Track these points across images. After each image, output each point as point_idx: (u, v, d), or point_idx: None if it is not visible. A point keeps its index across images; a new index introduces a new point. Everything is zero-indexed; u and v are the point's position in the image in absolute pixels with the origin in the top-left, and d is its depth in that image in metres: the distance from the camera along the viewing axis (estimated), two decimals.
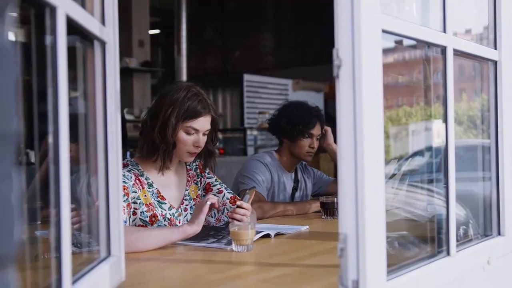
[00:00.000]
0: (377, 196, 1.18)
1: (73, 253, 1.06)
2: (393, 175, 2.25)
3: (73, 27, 1.10)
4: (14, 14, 0.59)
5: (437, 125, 1.89)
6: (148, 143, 2.14)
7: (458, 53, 1.55)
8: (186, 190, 2.28)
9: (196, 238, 1.99)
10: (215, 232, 2.09)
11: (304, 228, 2.30)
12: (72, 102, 1.15)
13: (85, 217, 1.41)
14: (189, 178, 2.31)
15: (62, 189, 0.99)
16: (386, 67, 1.23)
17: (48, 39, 1.00)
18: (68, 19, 1.03)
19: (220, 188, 2.33)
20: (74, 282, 1.07)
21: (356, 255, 1.15)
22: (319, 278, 1.49)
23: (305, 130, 2.91)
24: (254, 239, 1.88)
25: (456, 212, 1.54)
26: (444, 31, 1.49)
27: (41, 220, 1.47)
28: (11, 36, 0.56)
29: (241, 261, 1.74)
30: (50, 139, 0.98)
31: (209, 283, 1.48)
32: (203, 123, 2.15)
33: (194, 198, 2.30)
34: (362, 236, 1.14)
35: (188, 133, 2.13)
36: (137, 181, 2.11)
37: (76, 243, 1.31)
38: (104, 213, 1.34)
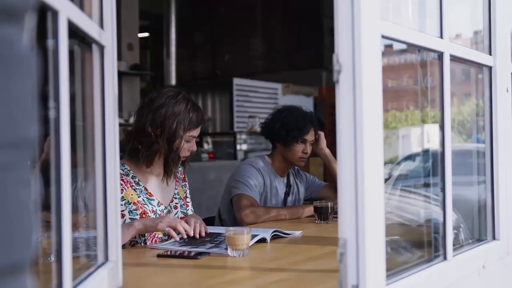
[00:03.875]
0: (377, 201, 1.18)
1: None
2: (386, 179, 2.25)
3: (72, 31, 1.09)
4: (33, 19, 0.59)
5: (428, 129, 1.90)
6: (153, 152, 2.20)
7: (453, 58, 1.56)
8: (176, 189, 2.37)
9: (194, 243, 1.98)
10: (211, 238, 2.08)
11: (298, 233, 2.30)
12: (70, 105, 1.14)
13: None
14: (177, 179, 2.40)
15: (63, 194, 0.98)
16: None
17: (49, 42, 0.99)
18: (69, 23, 1.02)
19: (188, 202, 2.44)
20: None
21: (356, 260, 1.15)
22: (317, 283, 1.49)
23: (299, 136, 2.91)
24: (250, 244, 1.87)
25: None
26: (441, 36, 1.50)
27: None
28: (30, 41, 0.55)
29: (237, 266, 1.73)
30: (52, 143, 0.97)
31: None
32: (199, 130, 2.29)
33: (183, 198, 2.39)
34: (362, 241, 1.14)
35: (188, 142, 2.25)
36: (121, 181, 2.13)
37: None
38: (101, 218, 1.33)
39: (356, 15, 1.15)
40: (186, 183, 2.46)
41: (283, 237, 2.18)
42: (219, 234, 2.12)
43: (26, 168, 0.54)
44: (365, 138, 1.14)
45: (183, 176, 2.46)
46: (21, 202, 0.53)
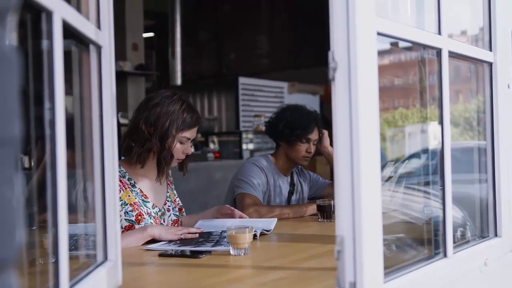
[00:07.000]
0: (373, 198, 1.18)
1: (70, 257, 1.06)
2: (390, 177, 2.25)
3: (69, 31, 1.10)
4: (15, 19, 0.59)
5: (433, 127, 1.90)
6: (146, 150, 2.22)
7: (453, 55, 1.56)
8: (167, 192, 2.41)
9: (189, 243, 1.98)
10: (204, 238, 2.07)
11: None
12: (67, 106, 1.15)
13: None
14: (168, 182, 2.44)
15: (59, 194, 0.99)
16: (382, 69, 1.24)
17: (44, 43, 1.00)
18: (64, 24, 1.03)
19: (182, 207, 2.49)
20: (71, 286, 1.07)
21: (353, 257, 1.15)
22: (317, 281, 1.49)
23: (303, 135, 2.90)
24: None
25: (453, 214, 1.54)
26: (439, 33, 1.49)
27: (37, 225, 1.47)
28: (12, 41, 0.56)
29: (239, 264, 1.73)
30: (47, 144, 0.98)
31: (207, 286, 1.48)
32: (195, 132, 2.31)
33: (174, 201, 2.42)
34: (359, 238, 1.14)
35: (181, 143, 2.26)
36: (119, 182, 2.14)
37: (71, 247, 1.31)
38: (100, 218, 1.34)
39: (351, 11, 1.15)
40: (173, 186, 2.48)
41: (286, 234, 2.19)
42: (211, 234, 2.13)
43: (10, 166, 0.55)
44: (361, 135, 1.14)
45: (171, 179, 2.50)
46: (5, 199, 0.53)
